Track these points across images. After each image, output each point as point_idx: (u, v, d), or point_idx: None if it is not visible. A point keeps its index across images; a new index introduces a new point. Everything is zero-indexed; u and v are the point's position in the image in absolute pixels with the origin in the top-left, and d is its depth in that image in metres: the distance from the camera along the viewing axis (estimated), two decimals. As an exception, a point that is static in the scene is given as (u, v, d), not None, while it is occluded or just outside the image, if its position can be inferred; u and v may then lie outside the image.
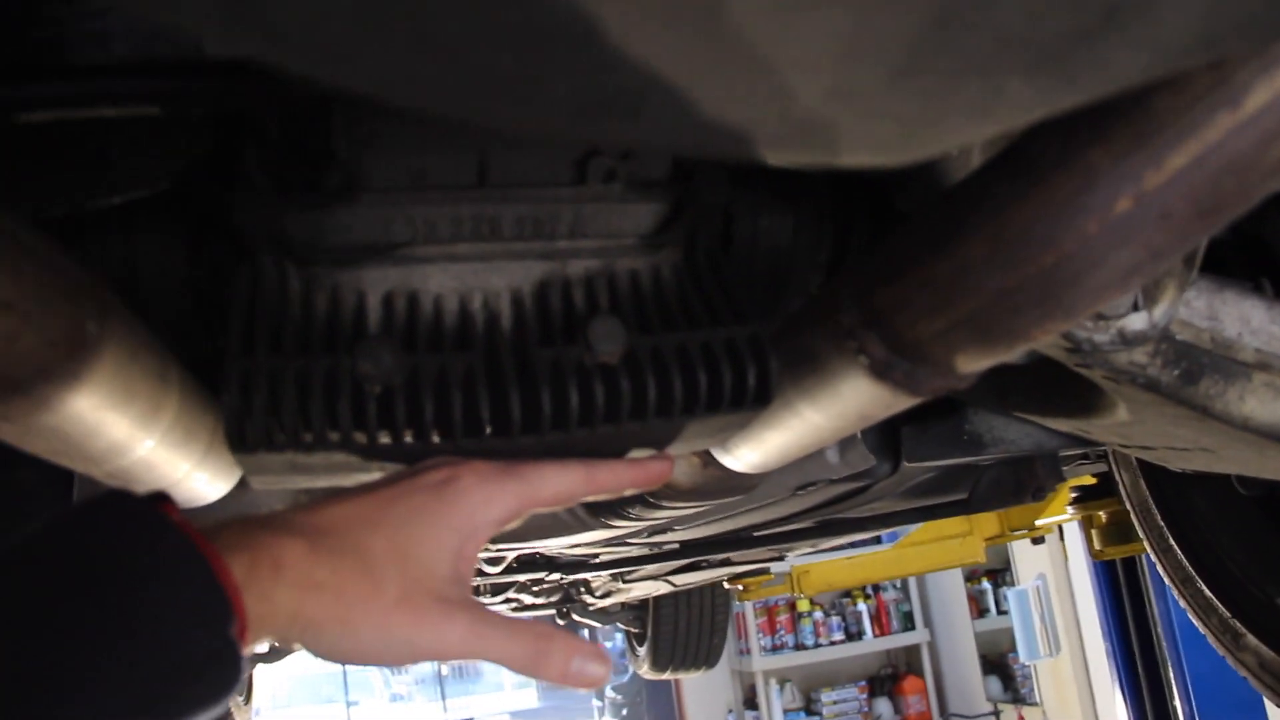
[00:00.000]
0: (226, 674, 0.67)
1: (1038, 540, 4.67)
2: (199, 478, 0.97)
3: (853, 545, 7.58)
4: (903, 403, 0.81)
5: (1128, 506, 1.89)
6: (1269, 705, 5.80)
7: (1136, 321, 0.98)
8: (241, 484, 1.20)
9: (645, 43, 0.37)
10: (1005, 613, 8.55)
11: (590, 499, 0.89)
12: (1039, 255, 0.63)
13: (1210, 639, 1.82)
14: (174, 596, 0.65)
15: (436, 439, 0.80)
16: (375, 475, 0.86)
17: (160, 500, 0.69)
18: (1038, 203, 0.62)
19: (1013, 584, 8.40)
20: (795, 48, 0.38)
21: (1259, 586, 1.69)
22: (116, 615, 0.63)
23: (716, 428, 0.88)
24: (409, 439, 0.79)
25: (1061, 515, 4.09)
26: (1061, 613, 7.65)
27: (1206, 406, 1.07)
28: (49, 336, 0.60)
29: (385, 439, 0.79)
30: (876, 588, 9.87)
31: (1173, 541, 1.79)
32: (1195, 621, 1.83)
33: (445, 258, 0.86)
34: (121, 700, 0.61)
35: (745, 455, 1.13)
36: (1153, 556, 1.88)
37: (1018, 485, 1.73)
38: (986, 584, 9.35)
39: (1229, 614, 1.72)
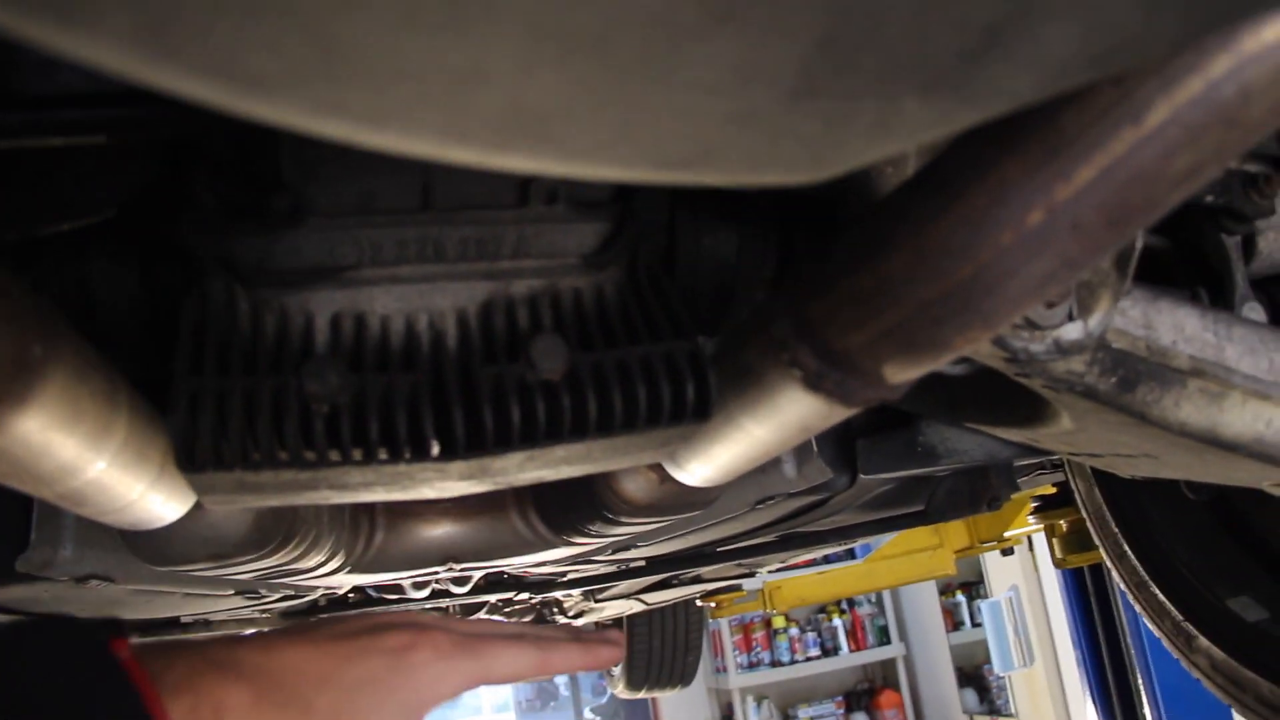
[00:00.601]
0: None
1: (1007, 551, 4.71)
2: (153, 499, 0.98)
3: (825, 560, 7.62)
4: (839, 413, 0.83)
5: (1084, 514, 1.92)
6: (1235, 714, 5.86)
7: (1071, 331, 1.00)
8: (199, 506, 1.22)
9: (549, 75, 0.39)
10: (979, 625, 8.60)
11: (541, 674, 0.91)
12: (957, 267, 0.65)
13: (1165, 642, 1.84)
14: None
15: (383, 456, 0.81)
16: (325, 495, 0.88)
17: (111, 630, 0.71)
18: (955, 216, 0.64)
19: (986, 596, 8.45)
20: (690, 73, 0.40)
21: (1210, 589, 1.72)
22: None
23: (659, 441, 0.90)
24: (356, 457, 0.80)
25: (1028, 526, 4.13)
26: (1035, 623, 7.71)
27: (1144, 413, 1.09)
28: (-7, 354, 0.61)
29: (333, 457, 0.80)
30: (851, 603, 9.90)
31: (1127, 548, 1.82)
32: (1150, 625, 1.86)
33: (391, 280, 0.87)
34: None
35: (697, 470, 1.15)
36: (1108, 563, 1.91)
37: (973, 495, 1.75)
38: (961, 597, 9.40)
39: (1181, 617, 1.75)
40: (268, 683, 0.75)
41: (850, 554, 7.86)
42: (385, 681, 0.78)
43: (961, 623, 9.45)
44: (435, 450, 0.82)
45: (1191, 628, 1.75)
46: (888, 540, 5.03)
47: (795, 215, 1.15)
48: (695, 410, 0.86)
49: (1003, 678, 8.46)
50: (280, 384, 0.79)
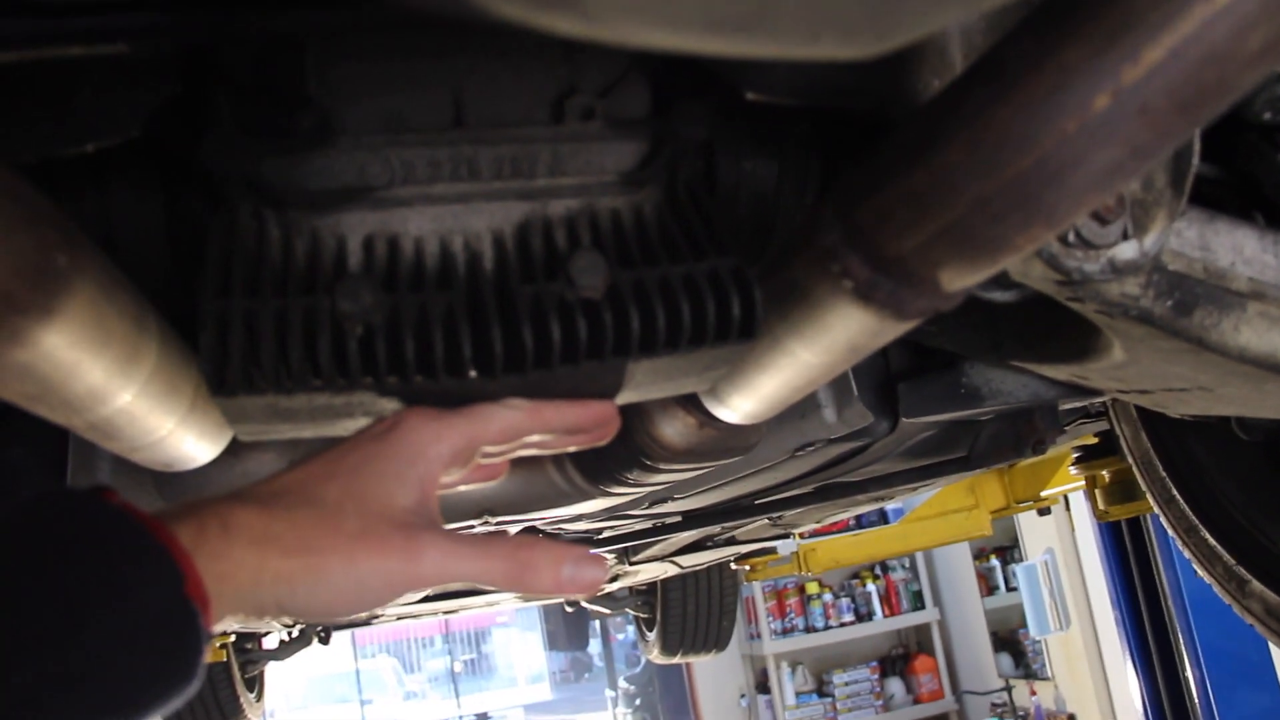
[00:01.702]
0: (187, 637, 0.65)
1: (1044, 511, 4.66)
2: (185, 436, 0.96)
3: (859, 524, 7.59)
4: (890, 329, 0.80)
5: (1130, 460, 1.88)
6: (1279, 670, 5.80)
7: (1127, 250, 0.97)
8: (233, 450, 1.20)
9: None
10: (1014, 589, 8.55)
11: (541, 439, 0.88)
12: (1017, 157, 0.62)
13: (1216, 588, 1.81)
14: (118, 563, 0.64)
15: (419, 379, 0.79)
16: (360, 424, 0.86)
17: (100, 489, 0.69)
18: (1014, 104, 0.61)
19: (1021, 560, 8.40)
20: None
21: (1262, 532, 1.68)
22: (60, 584, 0.62)
23: (703, 364, 0.87)
24: (390, 380, 0.78)
25: (1067, 484, 4.08)
26: (1070, 586, 7.65)
27: (1201, 338, 1.06)
28: (14, 265, 0.59)
29: (367, 380, 0.78)
30: (885, 568, 9.88)
31: (1175, 492, 1.78)
32: (1200, 571, 1.82)
33: (424, 200, 0.85)
34: (72, 663, 0.60)
35: (739, 404, 1.12)
36: (1156, 509, 1.87)
37: (1017, 439, 1.71)
38: (995, 561, 9.35)
39: (1233, 561, 1.71)
40: (273, 496, 0.74)
41: (883, 518, 7.84)
42: (382, 452, 0.78)
43: (996, 587, 9.39)
44: (473, 374, 0.80)
45: (1244, 572, 1.71)
46: (922, 502, 4.99)
47: (838, 144, 1.12)
48: (741, 328, 0.83)
49: (1039, 642, 8.41)
50: (312, 304, 0.77)
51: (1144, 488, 1.88)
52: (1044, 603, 7.73)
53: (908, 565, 9.90)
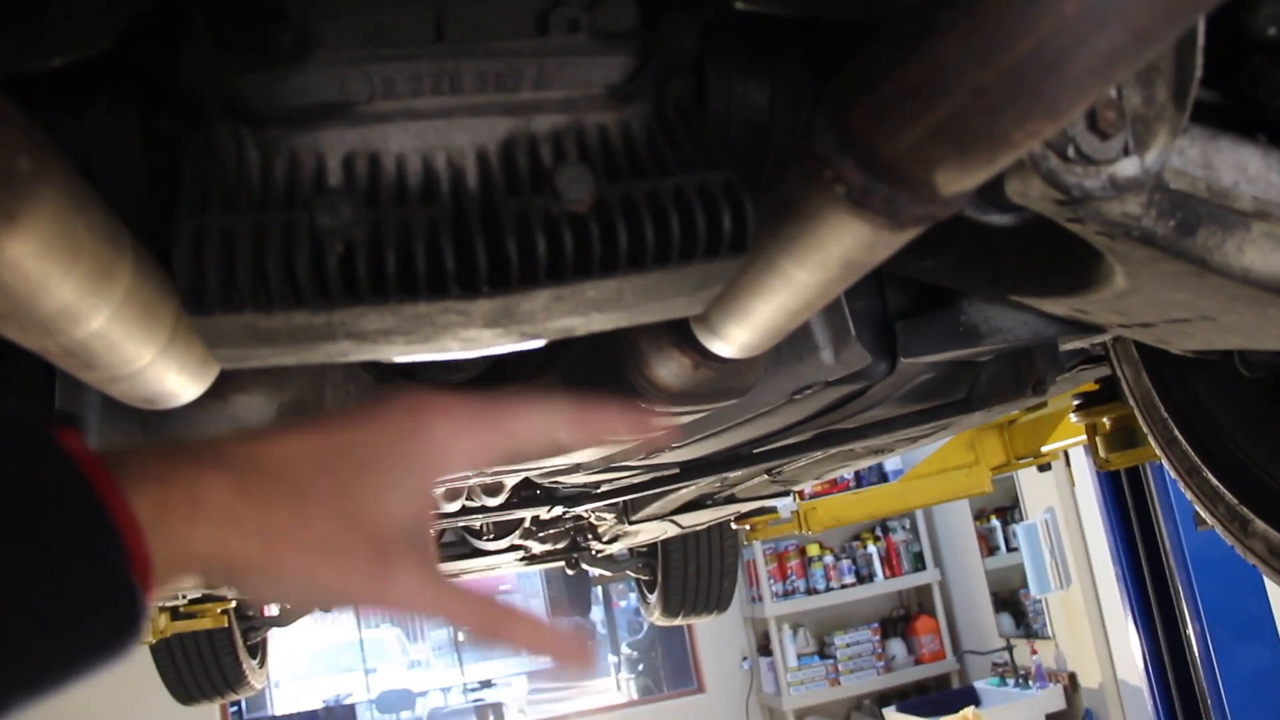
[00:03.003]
0: (122, 618, 0.60)
1: (1044, 467, 4.64)
2: (166, 368, 0.94)
3: (858, 484, 7.60)
4: (885, 240, 0.78)
5: (1131, 402, 1.86)
6: (1280, 624, 5.82)
7: (1128, 167, 0.94)
8: (219, 392, 1.18)
9: None
10: (1015, 550, 8.56)
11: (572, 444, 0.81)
12: (1014, 43, 0.59)
13: (1218, 529, 1.79)
14: (59, 528, 0.58)
15: (400, 297, 0.77)
16: (343, 348, 0.84)
17: (60, 423, 0.62)
18: (1014, -17, 0.58)
19: (1021, 520, 8.41)
20: None
21: (1265, 470, 1.66)
22: None
23: (694, 282, 0.85)
24: (372, 296, 0.76)
25: (1067, 439, 4.06)
26: (1071, 545, 7.67)
27: (1205, 258, 1.04)
28: (-25, 163, 0.57)
29: (348, 297, 0.76)
30: (886, 529, 9.89)
31: (1177, 433, 1.76)
32: (1202, 512, 1.81)
33: (405, 115, 0.83)
34: None
35: (735, 334, 1.10)
36: (1158, 451, 1.85)
37: (1017, 379, 1.69)
38: (995, 521, 9.35)
39: (1236, 501, 1.70)
40: (254, 469, 0.66)
41: (883, 478, 7.85)
42: (391, 455, 0.70)
43: (997, 548, 9.40)
44: (456, 290, 0.78)
45: (1247, 511, 1.69)
46: (922, 459, 4.98)
47: (833, 64, 1.09)
48: (733, 242, 0.81)
49: (1039, 601, 8.43)
50: (290, 220, 0.75)
51: (1145, 430, 1.86)
52: (1044, 562, 7.75)
53: (908, 526, 9.91)
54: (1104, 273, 1.17)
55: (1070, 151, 0.91)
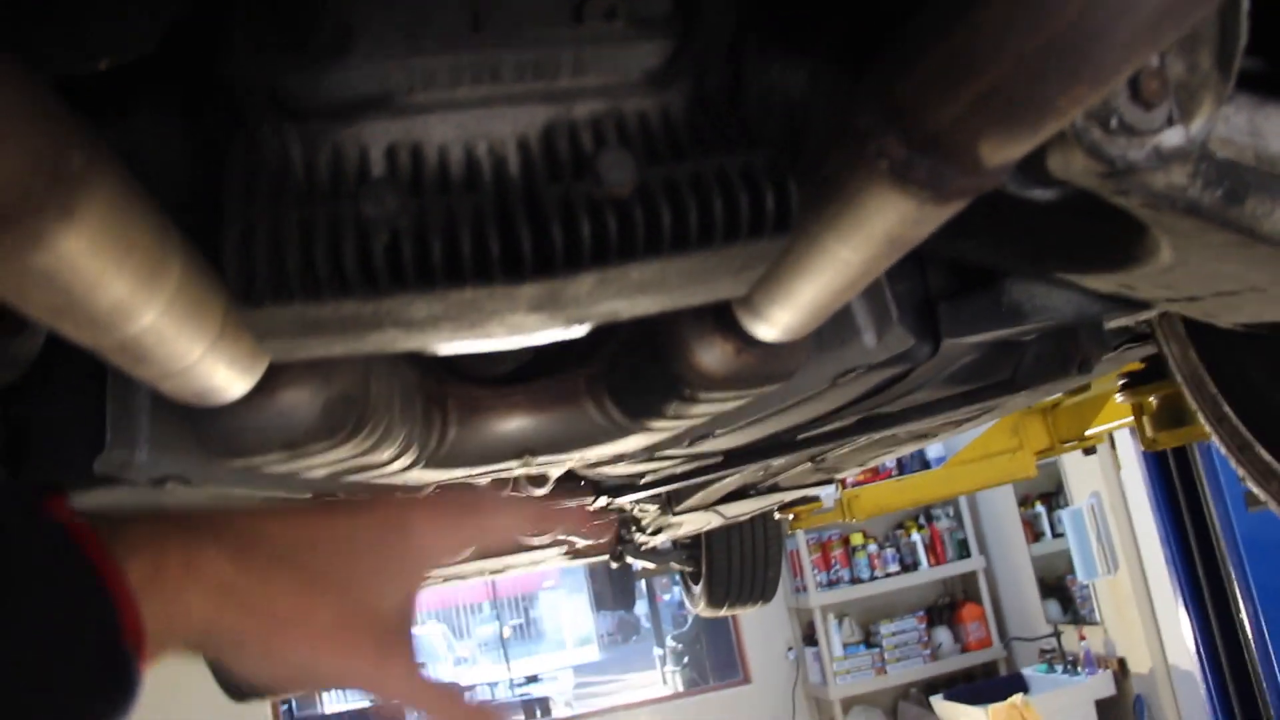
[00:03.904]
0: (116, 690, 0.60)
1: (1089, 450, 4.61)
2: (216, 363, 0.95)
3: (901, 472, 7.57)
4: (929, 215, 0.78)
5: (1178, 379, 1.84)
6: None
7: (1173, 136, 0.93)
8: (267, 389, 1.19)
9: None
10: (1060, 535, 8.50)
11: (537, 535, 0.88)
12: (1059, 9, 0.59)
13: (1272, 505, 1.77)
14: (50, 598, 0.58)
15: (446, 283, 0.77)
16: (391, 337, 0.84)
17: (50, 492, 0.63)
18: (1058, -50, 0.58)
19: (1066, 505, 8.34)
20: None
21: (1319, 444, 1.64)
22: None
23: (738, 263, 0.85)
24: (419, 283, 0.77)
25: (1112, 422, 4.02)
26: (1118, 529, 7.60)
27: (1253, 227, 1.02)
28: (30, 163, 0.58)
29: (394, 286, 0.77)
30: (930, 517, 9.84)
31: (1228, 409, 1.74)
32: (1255, 488, 1.78)
33: (446, 105, 0.83)
34: None
35: (778, 316, 1.09)
36: (1208, 428, 1.83)
37: (1063, 359, 1.68)
38: (1040, 507, 9.28)
39: (1290, 475, 1.68)
40: (249, 543, 0.67)
41: (925, 464, 7.81)
42: (383, 542, 0.73)
43: (1042, 534, 9.33)
44: (502, 275, 0.78)
45: (1301, 486, 1.67)
46: (965, 445, 4.95)
47: (872, 45, 1.09)
48: (776, 221, 0.81)
49: (1086, 587, 8.37)
50: (336, 210, 0.76)
51: (1194, 407, 1.84)
52: (1091, 547, 7.69)
53: (952, 514, 9.86)
54: (1150, 246, 1.16)
55: (1113, 122, 0.90)
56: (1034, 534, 9.36)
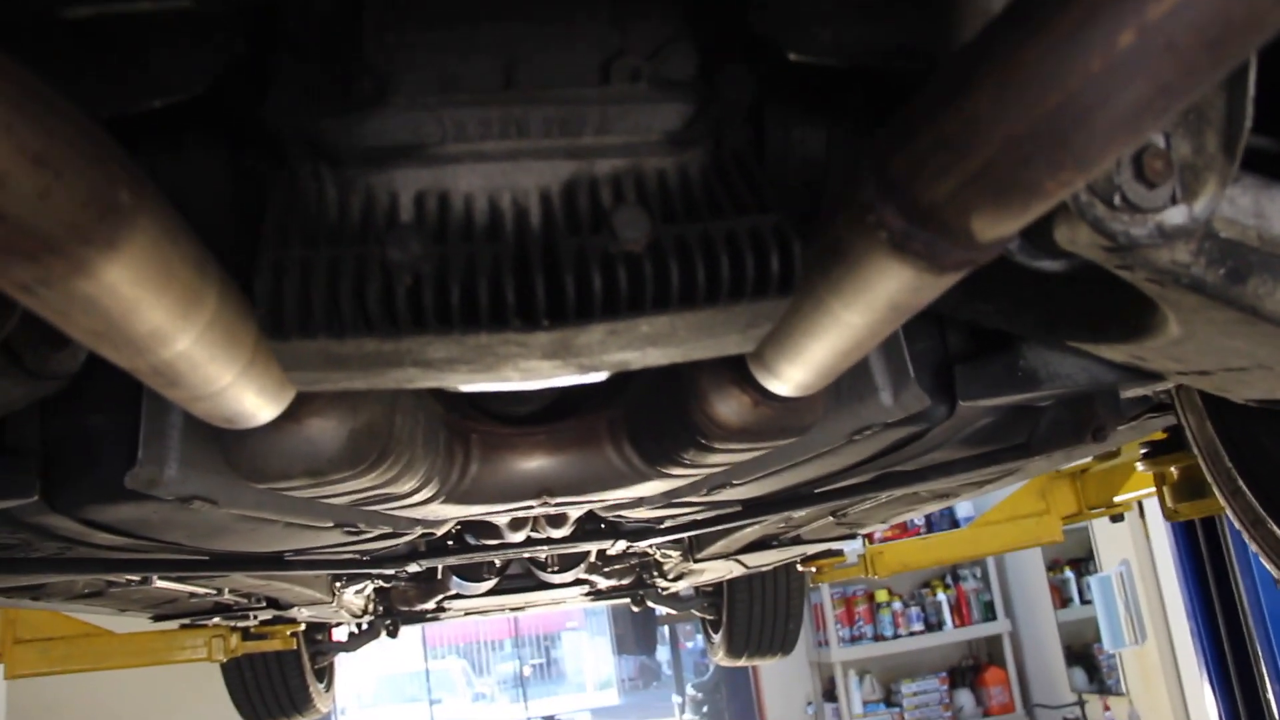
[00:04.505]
0: None
1: (1117, 518, 4.59)
2: (245, 390, 0.99)
3: (929, 528, 7.52)
4: (928, 284, 0.81)
5: (1195, 451, 1.86)
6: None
7: (1175, 215, 0.96)
8: (295, 415, 1.23)
9: None
10: (1089, 602, 8.41)
11: None
12: (1044, 97, 0.62)
13: (1284, 581, 1.77)
14: None
15: (464, 328, 0.81)
16: (410, 374, 0.88)
17: None
18: (1041, 44, 0.62)
19: (1095, 572, 8.26)
20: None
21: (1332, 524, 1.65)
22: None
23: (744, 321, 0.89)
24: (438, 326, 0.81)
25: (1141, 489, 4.01)
26: (1146, 599, 7.51)
27: (1255, 307, 1.05)
28: (83, 197, 0.62)
29: (415, 327, 0.81)
30: (956, 577, 9.76)
31: (1242, 484, 1.75)
32: (1267, 564, 1.79)
33: (474, 157, 0.88)
34: None
35: (789, 373, 1.13)
36: (1222, 502, 1.84)
37: (1077, 425, 1.70)
38: (1069, 573, 9.19)
39: (1302, 554, 1.68)
40: None
41: (954, 524, 7.77)
42: None
43: (1070, 600, 9.23)
44: (517, 323, 0.82)
45: (1314, 565, 1.68)
46: (992, 506, 4.94)
47: (889, 112, 1.13)
48: (780, 282, 0.84)
49: (1113, 656, 8.26)
50: (363, 253, 0.80)
51: (1210, 481, 1.85)
52: (1119, 615, 7.60)
53: (979, 575, 9.78)
54: (1158, 319, 1.18)
55: (1116, 199, 0.93)
56: (1062, 599, 9.27)
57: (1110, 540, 7.95)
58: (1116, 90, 0.61)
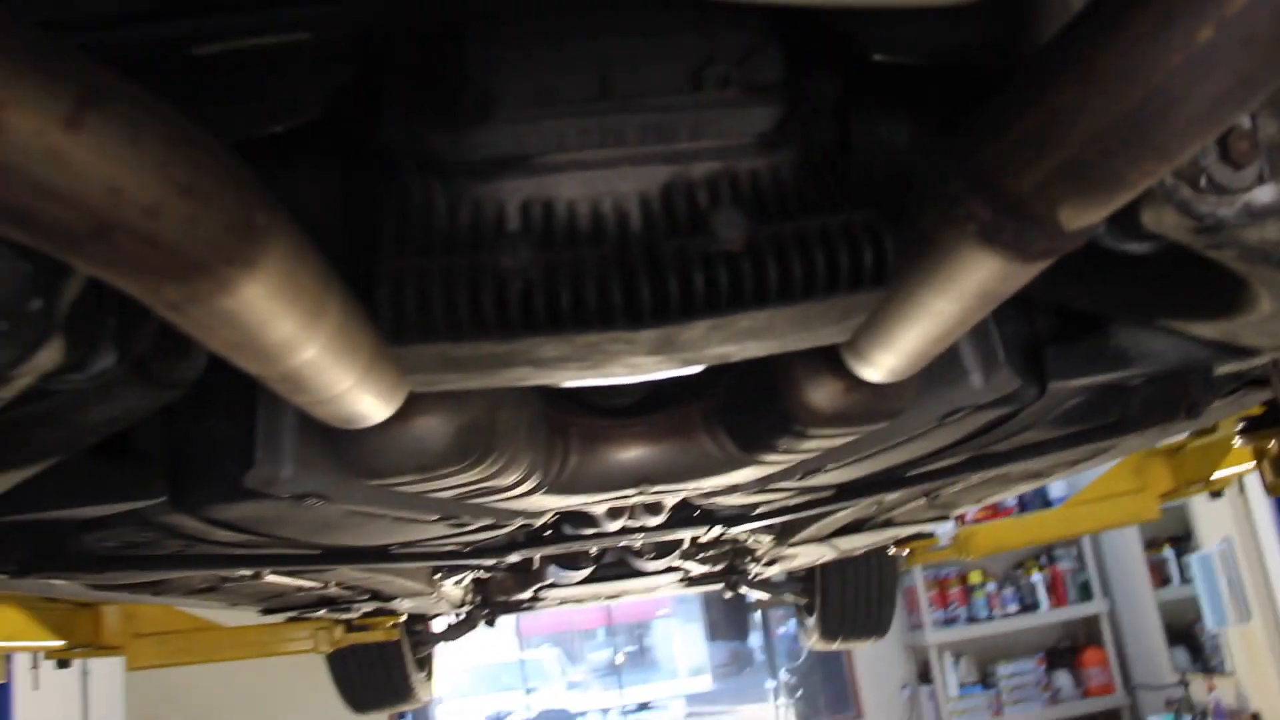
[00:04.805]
0: None
1: (1216, 494, 4.51)
2: (363, 393, 1.05)
3: (1022, 509, 7.45)
4: (1016, 273, 0.84)
5: (1292, 425, 1.85)
6: None
7: (1264, 194, 0.97)
8: (404, 414, 1.30)
9: None
10: (1189, 581, 8.26)
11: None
12: (1125, 92, 0.65)
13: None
14: None
15: (573, 328, 0.86)
16: (522, 373, 0.93)
17: None
18: (1122, 40, 0.65)
19: (1195, 550, 8.11)
20: None
21: None
22: None
23: (839, 312, 0.93)
24: (549, 328, 0.86)
25: (1240, 466, 3.94)
26: (1250, 576, 7.36)
27: (1347, 282, 1.06)
28: (225, 221, 0.68)
29: (527, 329, 0.86)
30: (1051, 558, 9.65)
31: (1340, 457, 1.74)
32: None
33: (575, 166, 0.92)
34: None
35: (882, 360, 1.16)
36: (1320, 475, 1.83)
37: (1170, 403, 1.70)
38: (1169, 552, 9.03)
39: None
40: None
41: (1046, 503, 7.68)
42: None
43: (1169, 579, 9.07)
44: (623, 322, 0.87)
45: None
46: (1086, 485, 4.89)
47: (970, 108, 1.15)
48: (873, 276, 0.88)
49: (1216, 635, 8.11)
50: (476, 261, 0.85)
51: (1307, 454, 1.84)
52: (1222, 594, 7.46)
53: (1075, 555, 9.64)
54: (1249, 296, 1.19)
55: (1203, 181, 0.95)
56: (1161, 579, 9.11)
57: (1210, 517, 7.80)
58: (1197, 84, 0.64)
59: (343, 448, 1.48)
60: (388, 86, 0.93)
